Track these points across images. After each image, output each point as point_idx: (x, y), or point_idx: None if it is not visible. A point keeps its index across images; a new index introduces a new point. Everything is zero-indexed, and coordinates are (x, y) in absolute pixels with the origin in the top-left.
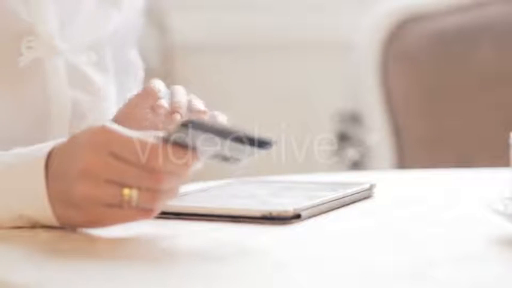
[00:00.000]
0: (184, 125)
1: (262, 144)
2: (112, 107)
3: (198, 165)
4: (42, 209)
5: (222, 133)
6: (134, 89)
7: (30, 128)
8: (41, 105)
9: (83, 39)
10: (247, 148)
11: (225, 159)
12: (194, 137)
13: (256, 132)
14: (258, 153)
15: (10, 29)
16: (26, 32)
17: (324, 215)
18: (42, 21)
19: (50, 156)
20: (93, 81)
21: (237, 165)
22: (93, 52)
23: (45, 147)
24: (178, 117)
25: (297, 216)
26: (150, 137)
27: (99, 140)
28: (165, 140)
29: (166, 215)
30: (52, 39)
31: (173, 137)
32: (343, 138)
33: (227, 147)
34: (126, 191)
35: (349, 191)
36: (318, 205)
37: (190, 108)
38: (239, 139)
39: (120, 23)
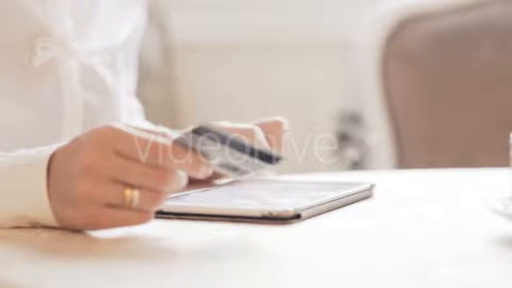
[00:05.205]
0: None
1: (264, 157)
2: (123, 110)
3: (205, 171)
4: (42, 209)
5: (222, 139)
6: (131, 83)
7: (43, 128)
8: (54, 106)
9: (98, 41)
10: (246, 158)
11: (233, 169)
12: (195, 139)
13: (261, 146)
14: (259, 165)
15: (26, 28)
16: (41, 32)
17: (324, 215)
18: (58, 22)
19: (52, 157)
20: (106, 83)
21: (244, 177)
22: (107, 54)
23: (49, 149)
24: None
25: (297, 216)
26: (151, 135)
27: (104, 138)
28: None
29: (166, 215)
30: (67, 40)
31: (175, 137)
32: (343, 138)
33: (227, 153)
34: (127, 191)
35: (349, 191)
36: (318, 205)
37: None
38: (239, 147)
39: (132, 27)
